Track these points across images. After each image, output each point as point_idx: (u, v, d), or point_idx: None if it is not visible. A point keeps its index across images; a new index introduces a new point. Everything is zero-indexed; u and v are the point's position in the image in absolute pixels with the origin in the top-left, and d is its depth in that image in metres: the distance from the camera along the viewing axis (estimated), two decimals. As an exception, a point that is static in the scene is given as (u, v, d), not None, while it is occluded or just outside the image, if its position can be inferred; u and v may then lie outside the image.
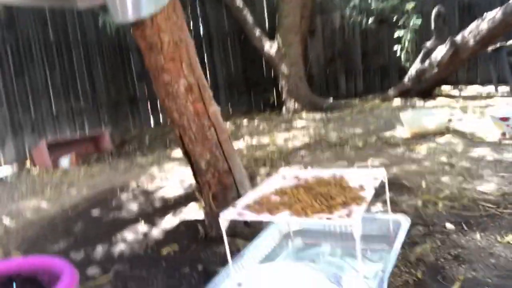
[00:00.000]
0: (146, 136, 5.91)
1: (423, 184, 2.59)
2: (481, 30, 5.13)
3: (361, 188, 1.48)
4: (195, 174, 2.35)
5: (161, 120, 6.90)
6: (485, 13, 5.11)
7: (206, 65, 7.25)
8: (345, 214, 1.26)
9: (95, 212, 2.97)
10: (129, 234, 2.50)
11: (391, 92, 6.36)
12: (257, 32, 6.66)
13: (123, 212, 2.92)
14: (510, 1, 4.76)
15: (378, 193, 2.50)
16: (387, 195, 1.68)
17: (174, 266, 2.01)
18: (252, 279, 1.44)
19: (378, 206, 2.34)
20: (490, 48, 5.68)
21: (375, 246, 1.77)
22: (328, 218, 1.25)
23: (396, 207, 2.25)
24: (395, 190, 2.52)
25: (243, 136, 5.05)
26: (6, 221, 2.92)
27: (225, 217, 1.41)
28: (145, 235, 2.46)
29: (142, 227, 2.57)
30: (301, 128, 5.08)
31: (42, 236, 2.61)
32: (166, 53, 2.06)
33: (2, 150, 4.69)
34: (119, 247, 2.34)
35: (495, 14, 4.96)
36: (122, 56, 6.46)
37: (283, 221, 1.31)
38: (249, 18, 6.71)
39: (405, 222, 1.69)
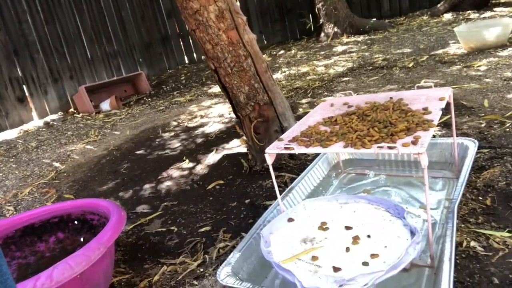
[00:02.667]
0: (182, 74, 5.81)
1: (486, 103, 2.33)
2: None
3: (425, 110, 1.29)
4: (234, 108, 2.24)
5: (195, 57, 6.73)
6: None
7: (237, -6, 6.83)
8: (410, 141, 1.10)
9: (140, 152, 2.98)
10: (174, 171, 2.48)
11: (440, 6, 5.74)
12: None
13: (166, 150, 2.91)
14: None
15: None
16: (453, 116, 1.49)
17: (221, 200, 1.98)
18: (304, 214, 1.36)
19: (442, 138, 2.14)
20: None
21: (436, 173, 1.61)
22: (390, 148, 1.09)
23: (456, 130, 2.04)
24: (454, 111, 2.29)
25: (280, 67, 4.81)
26: (57, 164, 3.01)
27: (271, 152, 1.29)
28: (190, 171, 2.44)
29: (186, 164, 2.55)
30: (342, 53, 4.75)
31: (91, 177, 2.66)
32: (192, -24, 1.85)
33: (45, 99, 4.78)
34: (166, 184, 2.34)
35: None
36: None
37: (335, 152, 1.17)
38: None
39: (471, 145, 1.51)
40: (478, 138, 1.91)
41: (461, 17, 5.19)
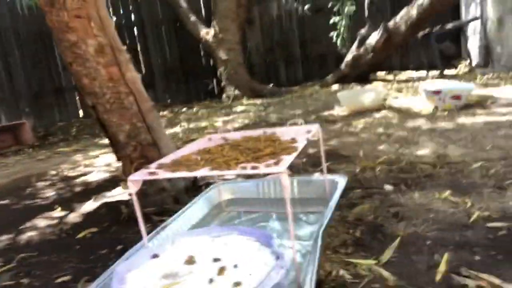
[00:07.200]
0: (74, 127, 5.43)
1: (361, 153, 2.53)
2: (411, 15, 5.29)
3: (293, 140, 1.33)
4: (114, 149, 2.09)
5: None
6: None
7: (140, 54, 6.84)
8: (272, 163, 1.09)
9: (4, 202, 2.59)
10: (41, 221, 2.18)
11: (329, 78, 6.40)
12: (193, 17, 6.41)
13: (37, 199, 2.57)
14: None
15: (315, 163, 2.41)
16: (322, 151, 1.55)
17: (90, 249, 1.75)
18: (171, 249, 1.24)
19: (317, 176, 2.22)
20: (420, 35, 5.91)
21: (311, 209, 1.63)
22: (253, 168, 1.07)
23: (333, 173, 2.15)
24: (333, 160, 2.43)
25: (180, 122, 4.79)
26: None
27: (135, 179, 1.18)
28: (61, 220, 2.16)
29: (57, 213, 2.26)
30: (241, 112, 4.92)
31: None
32: (70, 9, 1.78)
33: None
34: (28, 235, 2.02)
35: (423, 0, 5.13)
36: (43, 43, 5.87)
37: (201, 175, 1.12)
38: (184, 3, 6.43)
39: (341, 180, 1.58)
40: (352, 180, 2.03)
41: (346, 88, 5.81)
